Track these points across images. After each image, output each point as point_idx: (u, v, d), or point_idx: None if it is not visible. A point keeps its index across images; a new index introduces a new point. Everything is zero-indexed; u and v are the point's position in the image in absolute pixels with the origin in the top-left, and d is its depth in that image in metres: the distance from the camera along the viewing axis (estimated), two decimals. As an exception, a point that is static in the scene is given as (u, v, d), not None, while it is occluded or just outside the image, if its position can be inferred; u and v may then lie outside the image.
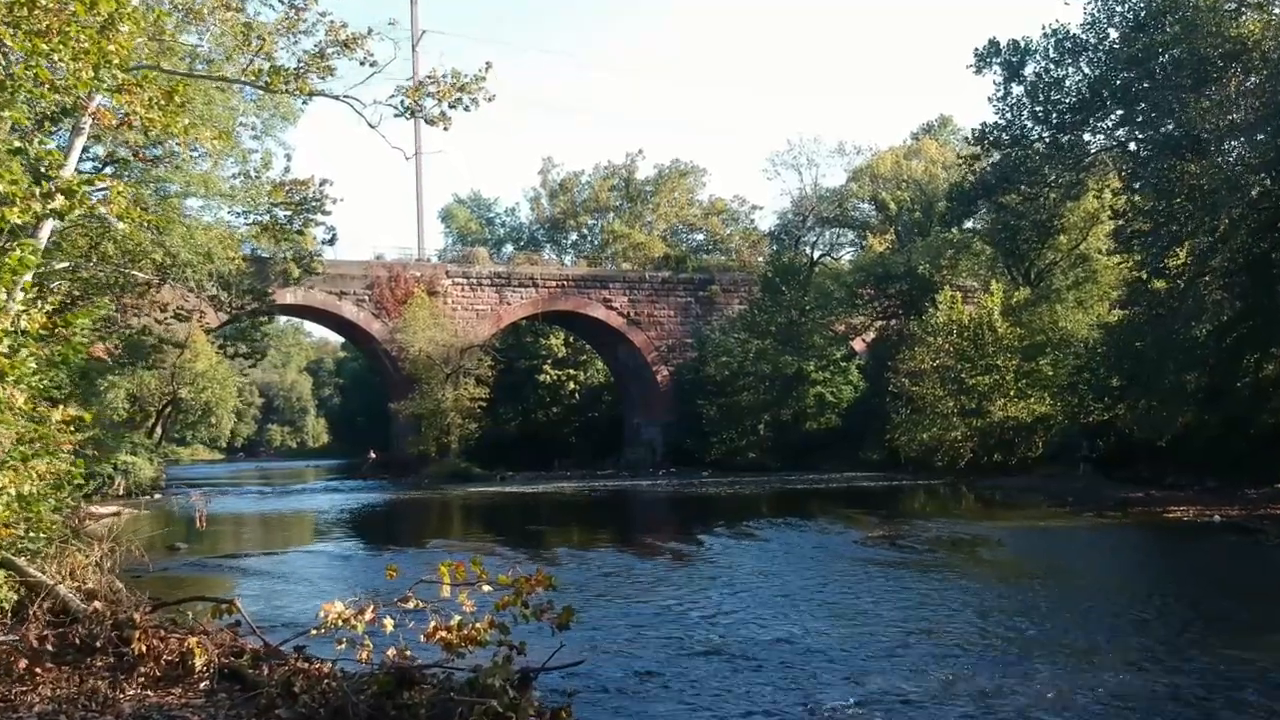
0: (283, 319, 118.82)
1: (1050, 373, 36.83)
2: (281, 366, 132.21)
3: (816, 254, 54.10)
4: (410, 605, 8.50)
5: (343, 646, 8.00)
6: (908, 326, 42.56)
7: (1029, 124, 27.90)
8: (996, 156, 29.06)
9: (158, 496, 37.79)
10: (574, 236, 68.75)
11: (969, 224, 46.25)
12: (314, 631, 8.02)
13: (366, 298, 48.11)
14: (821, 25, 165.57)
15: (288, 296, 46.03)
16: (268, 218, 25.00)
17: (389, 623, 8.33)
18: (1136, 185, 25.83)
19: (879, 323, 48.03)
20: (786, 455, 45.40)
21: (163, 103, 10.59)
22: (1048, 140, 27.56)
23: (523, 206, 73.93)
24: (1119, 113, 26.77)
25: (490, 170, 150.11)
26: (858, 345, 51.47)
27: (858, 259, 49.67)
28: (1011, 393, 37.13)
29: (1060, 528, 19.66)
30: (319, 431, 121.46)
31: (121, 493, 36.87)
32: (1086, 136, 28.12)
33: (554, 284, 51.90)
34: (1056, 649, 9.26)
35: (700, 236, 67.98)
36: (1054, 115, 27.41)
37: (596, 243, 66.00)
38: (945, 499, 30.07)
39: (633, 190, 67.44)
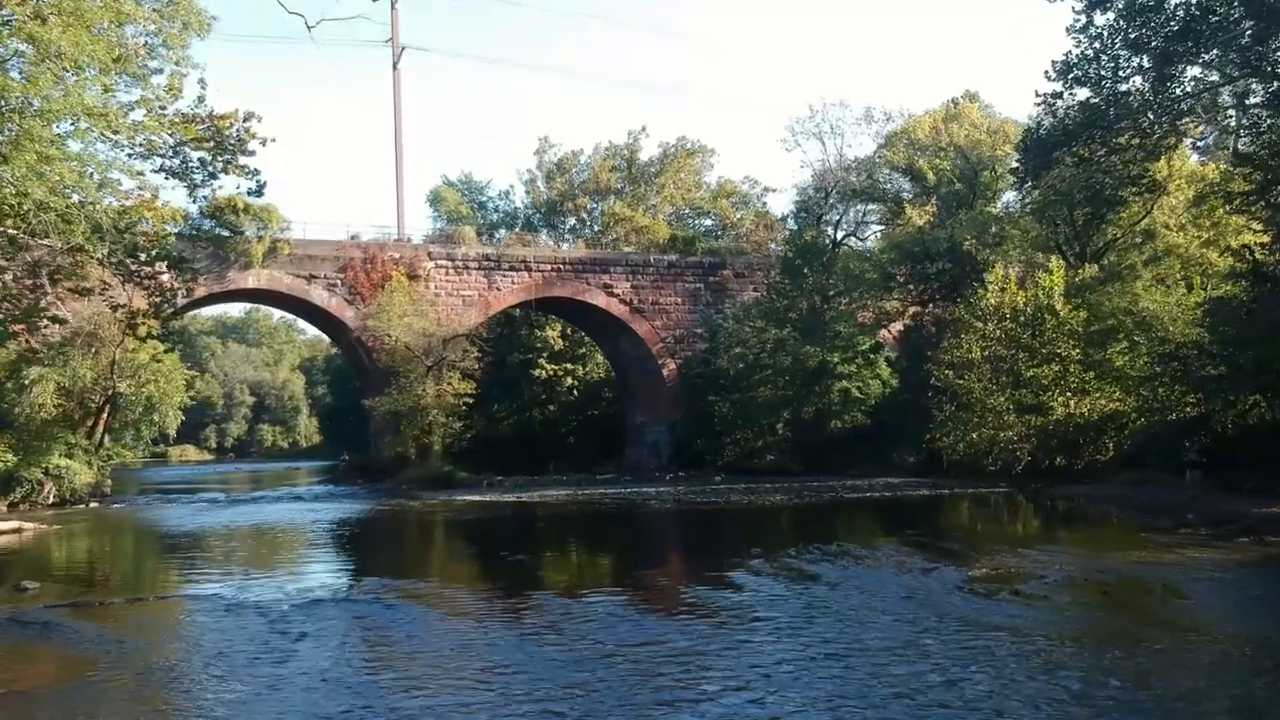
0: (276, 314, 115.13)
1: (1120, 363, 31.85)
2: (273, 365, 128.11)
3: (840, 234, 48.82)
4: None
5: None
6: (950, 312, 37.52)
7: (1124, 53, 22.71)
8: (1080, 96, 23.90)
9: (94, 505, 33.02)
10: (572, 221, 63.75)
11: (1012, 197, 41.32)
12: None
13: (339, 281, 43.20)
14: (829, 10, 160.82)
15: (249, 280, 41.32)
16: (177, 161, 19.94)
17: None
18: (1268, 124, 20.64)
19: (914, 308, 42.91)
20: (809, 457, 40.56)
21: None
22: (1149, 69, 22.33)
23: (517, 189, 68.81)
24: (1240, 40, 21.54)
25: (483, 153, 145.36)
26: (884, 336, 46.47)
27: (891, 235, 44.39)
28: (1076, 386, 32.12)
29: (1226, 562, 14.37)
30: (311, 431, 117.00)
31: (52, 500, 32.18)
32: (1193, 71, 22.97)
33: (549, 268, 46.89)
34: None
35: (709, 221, 63.06)
36: (1154, 42, 22.26)
37: (597, 227, 60.91)
38: (1016, 512, 25.07)
39: (635, 171, 62.63)
